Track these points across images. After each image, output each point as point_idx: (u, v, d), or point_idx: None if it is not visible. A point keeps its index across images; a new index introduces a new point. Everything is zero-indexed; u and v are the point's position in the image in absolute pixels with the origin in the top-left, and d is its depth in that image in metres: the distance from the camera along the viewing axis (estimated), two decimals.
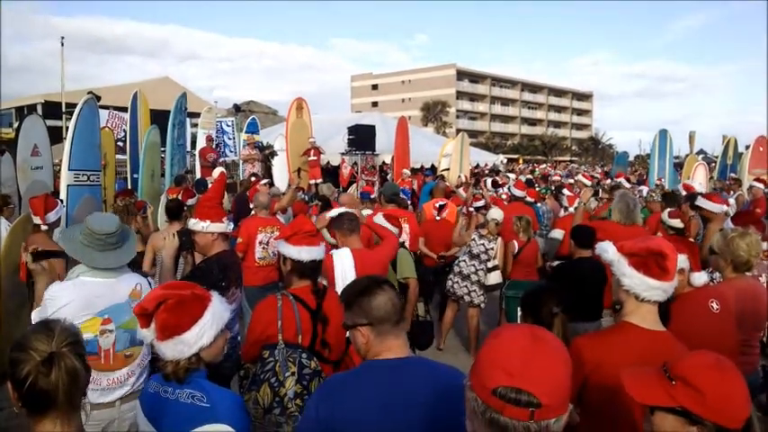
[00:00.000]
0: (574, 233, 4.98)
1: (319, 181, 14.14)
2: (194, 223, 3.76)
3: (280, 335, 2.95)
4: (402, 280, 4.92)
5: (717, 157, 20.21)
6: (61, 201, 5.21)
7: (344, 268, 4.05)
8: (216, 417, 2.05)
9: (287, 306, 3.05)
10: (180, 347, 2.12)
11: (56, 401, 1.53)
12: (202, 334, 2.15)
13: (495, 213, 6.79)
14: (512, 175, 18.21)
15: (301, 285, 3.18)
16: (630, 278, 2.28)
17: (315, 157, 14.93)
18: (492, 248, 6.57)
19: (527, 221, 6.79)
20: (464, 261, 6.68)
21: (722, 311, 3.04)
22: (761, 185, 10.83)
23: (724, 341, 3.03)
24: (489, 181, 14.50)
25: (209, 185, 7.85)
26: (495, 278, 6.54)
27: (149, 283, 3.22)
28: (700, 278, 3.37)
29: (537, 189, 11.00)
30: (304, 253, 3.17)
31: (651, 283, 2.24)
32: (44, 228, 4.82)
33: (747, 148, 16.49)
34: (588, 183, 11.43)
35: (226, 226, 3.79)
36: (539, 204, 9.37)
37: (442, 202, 8.27)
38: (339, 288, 3.99)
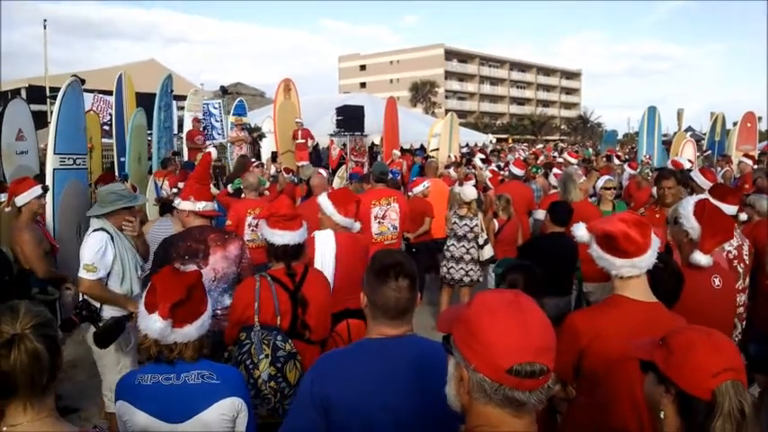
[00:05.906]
0: (550, 209, 5.05)
1: (306, 163, 14.03)
2: (178, 202, 4.02)
3: (256, 317, 2.95)
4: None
5: (705, 134, 20.29)
6: (43, 186, 5.11)
7: (324, 251, 4.03)
8: (228, 391, 2.15)
9: (265, 288, 3.04)
10: (204, 323, 2.22)
11: (16, 385, 1.51)
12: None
13: (467, 191, 6.79)
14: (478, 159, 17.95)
15: (278, 267, 3.18)
16: (600, 258, 2.39)
17: (303, 140, 14.80)
18: (476, 225, 6.60)
19: (506, 200, 6.83)
20: (453, 245, 6.70)
21: (723, 288, 3.03)
22: (749, 161, 10.93)
23: (723, 317, 3.02)
24: (478, 159, 14.48)
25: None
26: (489, 252, 6.60)
27: None
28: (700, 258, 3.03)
29: (529, 168, 10.98)
30: (277, 236, 3.17)
31: (617, 262, 2.32)
32: (8, 210, 5.09)
33: (735, 124, 16.58)
34: (574, 161, 11.39)
35: (194, 205, 3.90)
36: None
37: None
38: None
